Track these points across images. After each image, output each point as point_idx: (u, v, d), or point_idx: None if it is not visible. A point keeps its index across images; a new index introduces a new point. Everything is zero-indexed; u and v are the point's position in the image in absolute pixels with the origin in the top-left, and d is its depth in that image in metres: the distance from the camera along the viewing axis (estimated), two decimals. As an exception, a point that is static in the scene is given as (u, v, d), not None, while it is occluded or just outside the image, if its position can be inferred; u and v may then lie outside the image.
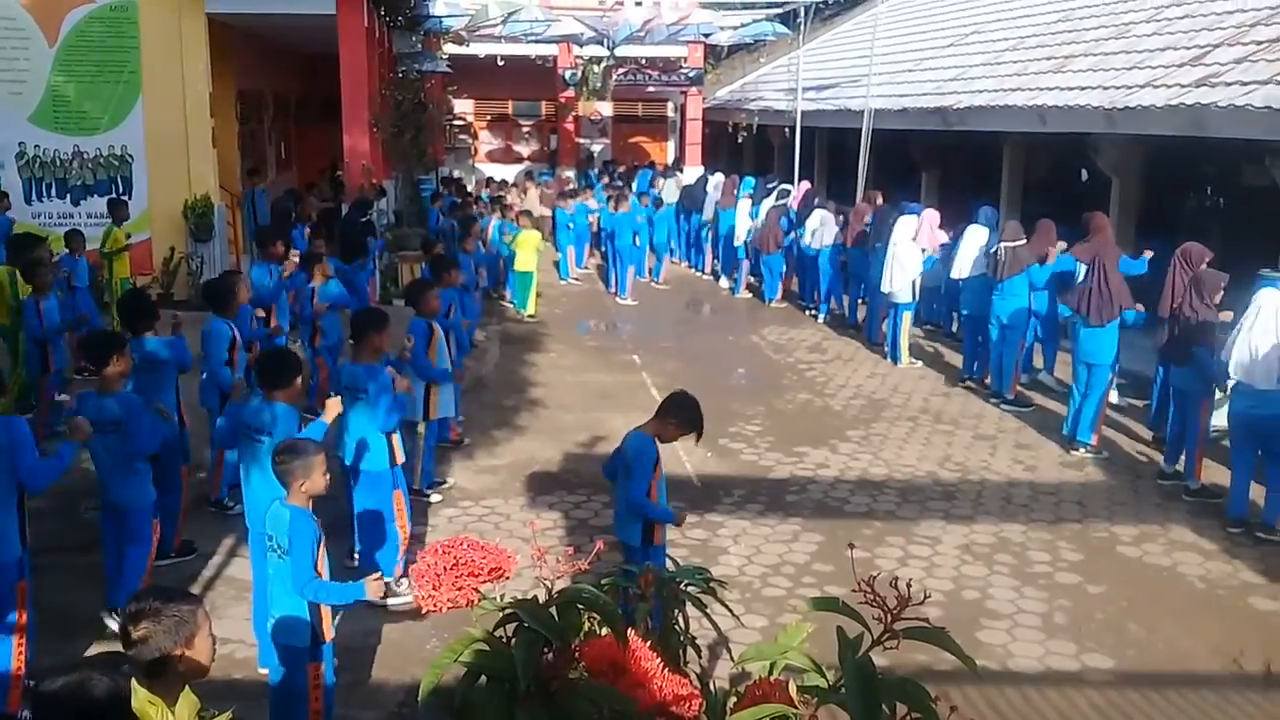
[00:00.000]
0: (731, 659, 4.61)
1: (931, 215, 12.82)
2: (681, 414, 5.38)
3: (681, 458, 8.73)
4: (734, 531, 7.48)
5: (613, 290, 16.71)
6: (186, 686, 2.55)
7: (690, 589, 3.42)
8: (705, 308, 16.23)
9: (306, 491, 4.39)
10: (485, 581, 1.68)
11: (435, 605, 1.64)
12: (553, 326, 14.35)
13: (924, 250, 12.17)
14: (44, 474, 4.98)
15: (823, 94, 20.00)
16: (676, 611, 3.39)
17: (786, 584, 6.69)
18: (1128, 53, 13.10)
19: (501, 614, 1.61)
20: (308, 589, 4.29)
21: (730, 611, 3.94)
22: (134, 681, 2.65)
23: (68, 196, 14.07)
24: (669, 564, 4.54)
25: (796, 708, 1.60)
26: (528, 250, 14.77)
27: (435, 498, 7.95)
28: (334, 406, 5.56)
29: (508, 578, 1.73)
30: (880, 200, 13.62)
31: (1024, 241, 10.44)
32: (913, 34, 21.97)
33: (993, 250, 10.73)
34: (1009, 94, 14.28)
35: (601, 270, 18.13)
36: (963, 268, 11.26)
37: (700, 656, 3.69)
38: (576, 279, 18.14)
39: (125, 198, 13.50)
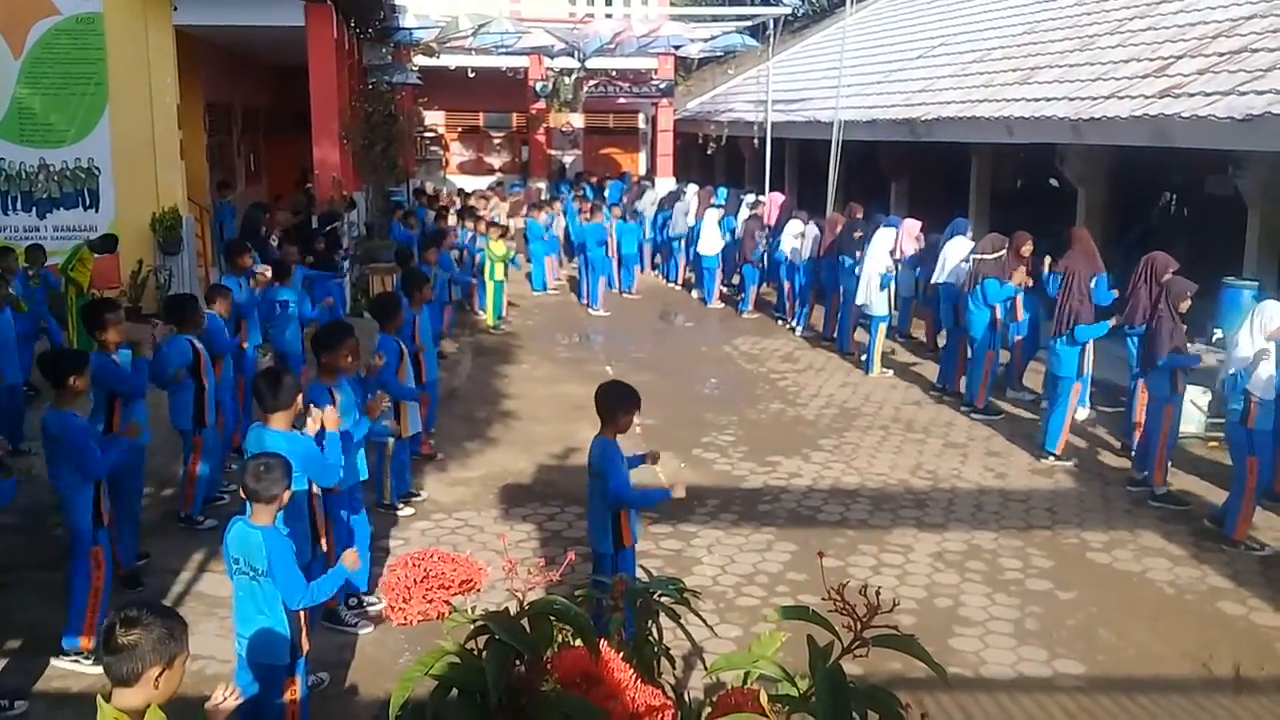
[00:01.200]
0: (705, 669, 4.63)
1: (911, 225, 12.91)
2: (615, 402, 5.47)
3: (655, 469, 8.70)
4: (707, 541, 7.48)
5: (584, 301, 16.71)
6: (153, 705, 2.51)
7: (664, 599, 3.42)
8: (678, 318, 16.26)
9: (274, 511, 4.36)
10: (456, 594, 1.67)
11: (405, 618, 1.63)
12: (525, 338, 14.33)
13: (895, 261, 12.25)
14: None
15: (792, 105, 20.12)
16: (650, 622, 3.39)
17: (760, 594, 6.70)
18: (1092, 64, 13.27)
19: (473, 626, 1.60)
20: (304, 599, 4.30)
21: (704, 622, 3.94)
22: (99, 699, 2.62)
23: (33, 209, 13.91)
24: (642, 574, 4.53)
25: (768, 717, 1.61)
26: (495, 261, 14.76)
27: (406, 511, 7.90)
28: (331, 419, 5.51)
29: (478, 590, 1.72)
30: (860, 213, 13.69)
31: (1001, 254, 10.49)
32: (881, 46, 22.17)
33: (965, 261, 10.82)
34: (976, 105, 14.42)
35: (574, 281, 18.13)
36: (940, 276, 11.36)
37: (675, 667, 3.70)
38: (553, 289, 18.17)
39: (79, 212, 13.34)
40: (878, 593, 1.65)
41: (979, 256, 10.53)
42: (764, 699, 1.62)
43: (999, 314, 10.55)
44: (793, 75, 23.96)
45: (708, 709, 2.29)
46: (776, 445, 9.61)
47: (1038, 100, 13.09)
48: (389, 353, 7.53)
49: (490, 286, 14.76)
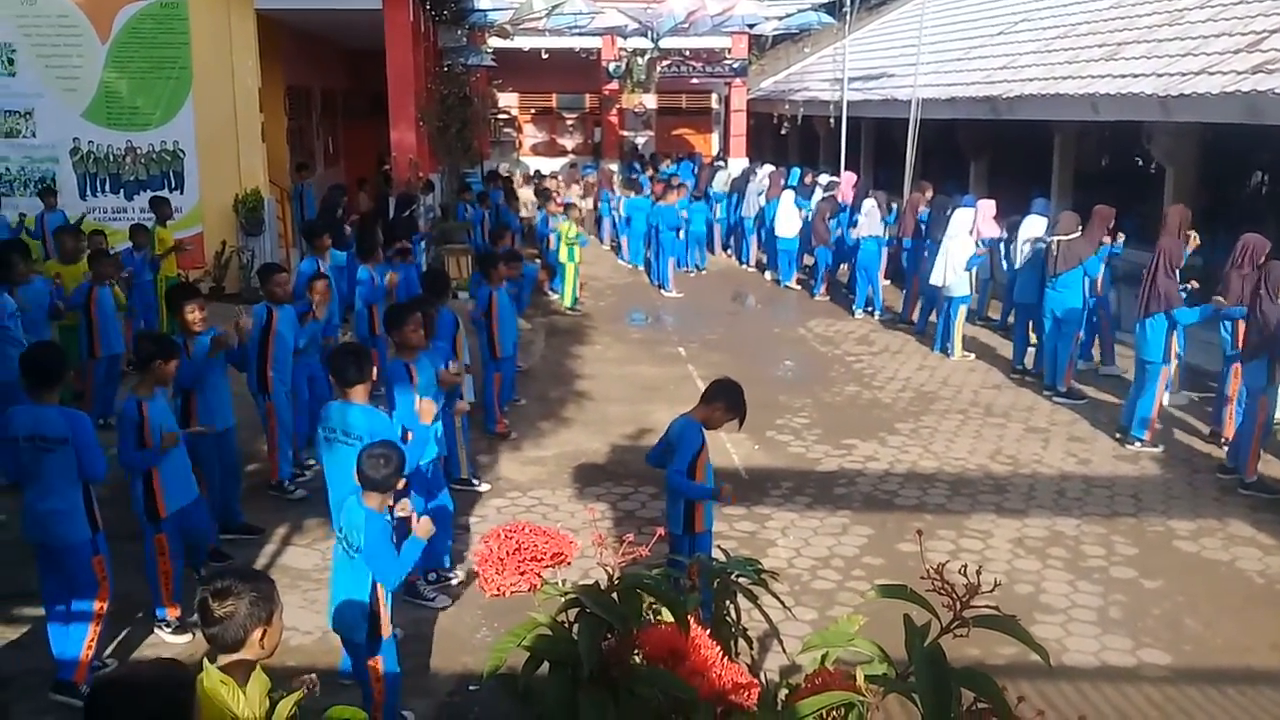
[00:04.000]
0: (784, 650, 4.60)
1: (986, 205, 12.64)
2: (727, 398, 5.36)
3: (728, 449, 8.70)
4: (782, 523, 7.44)
5: (656, 282, 16.67)
6: (258, 666, 2.58)
7: (741, 580, 3.40)
8: (750, 300, 16.15)
9: (386, 500, 4.47)
10: (547, 566, 1.67)
11: (498, 589, 1.64)
12: (598, 319, 14.35)
13: (977, 242, 12.02)
14: (101, 469, 5.11)
15: (869, 84, 19.81)
16: (728, 603, 3.37)
17: (836, 577, 6.64)
18: (1182, 39, 12.84)
19: (564, 599, 1.60)
20: (395, 582, 4.44)
21: (781, 603, 3.92)
22: (206, 661, 2.71)
23: (121, 191, 14.30)
24: (720, 555, 4.51)
25: (864, 695, 1.58)
26: (563, 242, 14.74)
27: (483, 486, 7.98)
28: (428, 411, 5.59)
29: (569, 563, 1.72)
30: (931, 192, 13.45)
31: (1079, 234, 10.23)
32: (961, 23, 21.71)
33: (1046, 243, 10.57)
34: (1060, 82, 14.05)
35: (648, 263, 18.10)
36: (1017, 259, 11.10)
37: (751, 648, 3.67)
38: (631, 269, 18.21)
39: (166, 194, 13.62)
40: (978, 572, 1.61)
41: (1058, 237, 10.26)
42: (860, 677, 1.59)
43: (1098, 288, 10.33)
44: (870, 53, 23.60)
45: (784, 690, 2.27)
46: (852, 428, 9.51)
47: (1124, 77, 12.71)
48: (445, 325, 7.63)
49: (569, 270, 14.74)
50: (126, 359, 9.42)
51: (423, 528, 4.52)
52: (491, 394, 9.17)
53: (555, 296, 15.02)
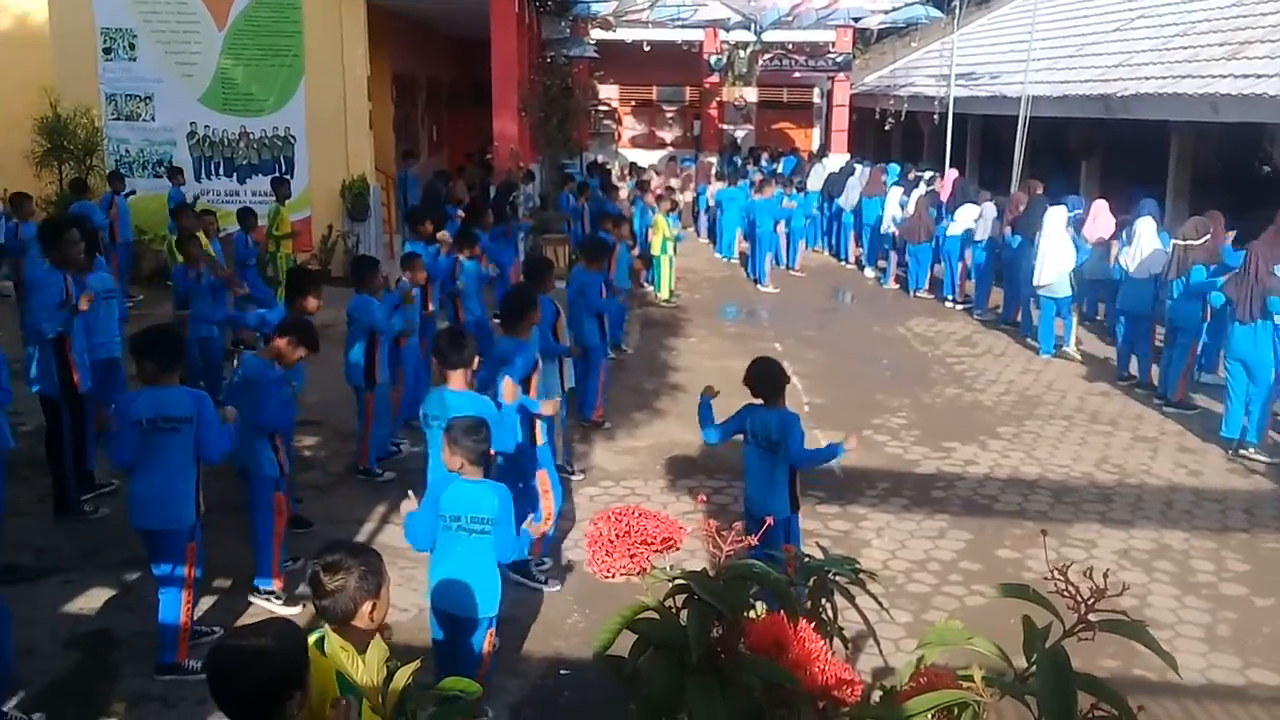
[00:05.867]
0: (880, 652, 4.52)
1: (1100, 205, 12.26)
2: (780, 375, 5.74)
3: (823, 445, 8.58)
4: (877, 525, 7.33)
5: (752, 277, 16.56)
6: (377, 635, 2.64)
7: (839, 579, 3.34)
8: (848, 297, 15.95)
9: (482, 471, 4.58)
10: (657, 551, 1.66)
11: (608, 571, 1.63)
12: (693, 311, 14.31)
13: (1087, 242, 11.67)
14: (221, 448, 5.22)
15: (977, 80, 19.40)
16: (824, 601, 3.32)
17: (932, 580, 6.51)
18: (1312, 37, 12.31)
19: (671, 584, 1.58)
20: (513, 553, 4.62)
21: (880, 604, 3.83)
22: (327, 627, 2.78)
23: (234, 175, 14.74)
24: (817, 553, 4.46)
25: (981, 696, 1.53)
26: (659, 234, 14.70)
27: (578, 475, 8.02)
28: (510, 391, 5.66)
29: (678, 548, 1.70)
30: (1039, 191, 13.10)
31: (1206, 239, 9.82)
32: (1075, 19, 21.12)
33: (1166, 247, 10.21)
34: (1179, 81, 13.58)
35: (744, 257, 17.99)
36: (1133, 263, 10.72)
37: (847, 647, 3.61)
38: (727, 263, 18.13)
39: (287, 176, 14.05)
40: (1105, 575, 1.55)
41: (1183, 242, 9.87)
42: (978, 677, 1.54)
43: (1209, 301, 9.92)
44: (978, 48, 23.12)
45: (877, 691, 2.22)
46: (951, 430, 9.32)
47: (1247, 77, 12.22)
48: (545, 312, 7.63)
49: (665, 262, 14.72)
50: (229, 339, 9.69)
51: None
52: (594, 381, 9.20)
53: (650, 288, 15.02)
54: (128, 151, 14.66)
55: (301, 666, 2.33)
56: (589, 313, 9.22)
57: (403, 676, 1.68)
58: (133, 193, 13.88)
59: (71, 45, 14.33)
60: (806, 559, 3.45)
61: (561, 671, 5.38)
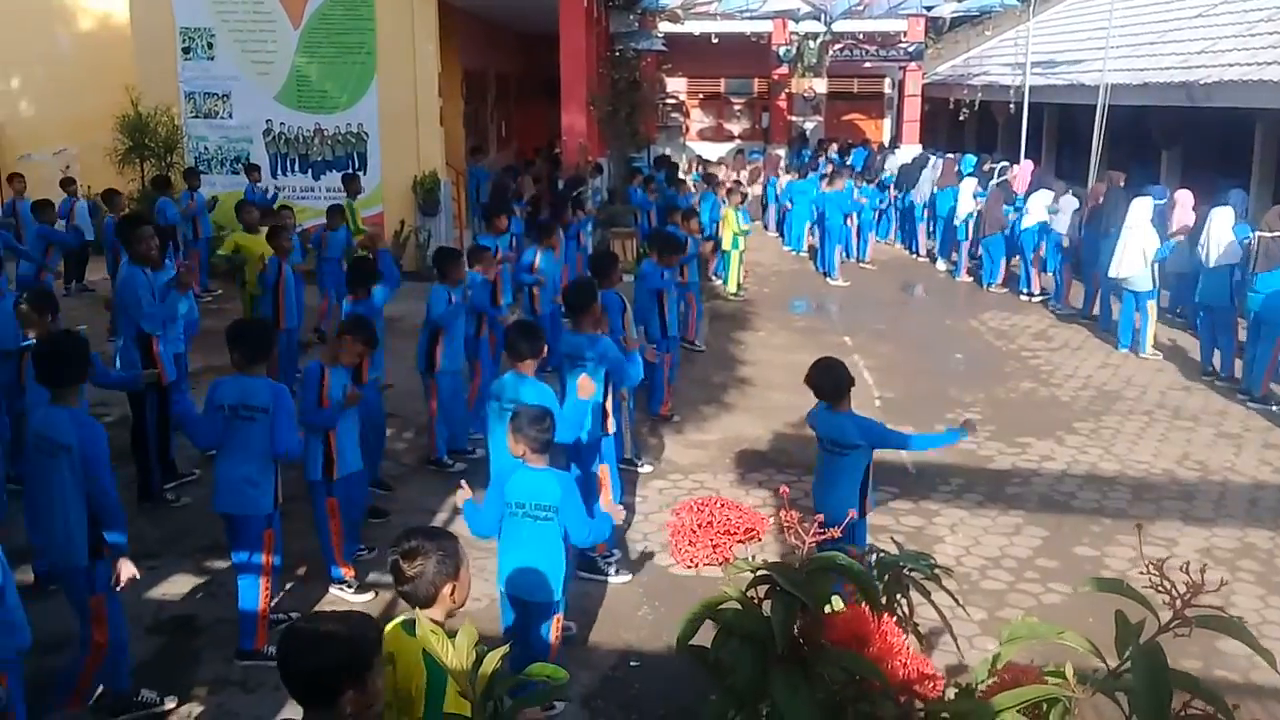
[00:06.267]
0: (956, 648, 4.46)
1: (1184, 196, 11.92)
2: (847, 376, 5.50)
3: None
4: (950, 520, 7.22)
5: (821, 270, 16.41)
6: (467, 619, 2.67)
7: (914, 574, 3.30)
8: (920, 290, 15.73)
9: (547, 458, 4.63)
10: (740, 541, 1.65)
11: (691, 560, 1.62)
12: (761, 305, 14.23)
13: (1171, 234, 11.36)
14: (293, 444, 5.31)
15: (1053, 68, 19.01)
16: (899, 597, 3.28)
17: (1007, 578, 6.40)
18: None
19: (754, 575, 1.57)
20: (589, 537, 4.68)
21: (956, 600, 3.78)
22: (418, 611, 2.83)
23: (309, 171, 14.99)
24: (892, 547, 4.41)
25: (1074, 692, 1.50)
26: (729, 228, 14.60)
27: (646, 468, 8.02)
28: (587, 388, 5.67)
29: (759, 538, 1.69)
30: (1121, 182, 12.78)
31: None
32: (1155, 5, 20.57)
33: (1246, 239, 9.90)
34: (1264, 68, 13.15)
35: (813, 250, 17.83)
36: (1209, 255, 10.42)
37: (922, 643, 3.57)
38: (796, 256, 18.00)
39: (359, 172, 14.25)
40: (1202, 570, 1.50)
41: (1269, 234, 9.57)
42: (1070, 673, 1.51)
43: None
44: (1054, 36, 22.65)
45: (952, 689, 2.18)
46: (1027, 426, 9.15)
47: (1338, 61, 11.80)
48: (611, 308, 7.62)
49: (734, 256, 14.63)
50: (308, 332, 9.86)
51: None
52: (660, 375, 9.20)
53: (719, 282, 14.96)
54: (206, 149, 14.98)
55: (361, 659, 2.37)
56: (656, 305, 9.20)
57: (492, 661, 1.69)
58: (215, 200, 14.13)
59: (152, 45, 14.68)
60: (882, 554, 3.42)
61: (632, 663, 5.39)
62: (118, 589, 4.60)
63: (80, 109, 15.60)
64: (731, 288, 14.61)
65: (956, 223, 15.87)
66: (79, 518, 4.44)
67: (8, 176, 13.99)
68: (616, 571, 6.26)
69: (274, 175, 14.90)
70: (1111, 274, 11.43)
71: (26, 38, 16.22)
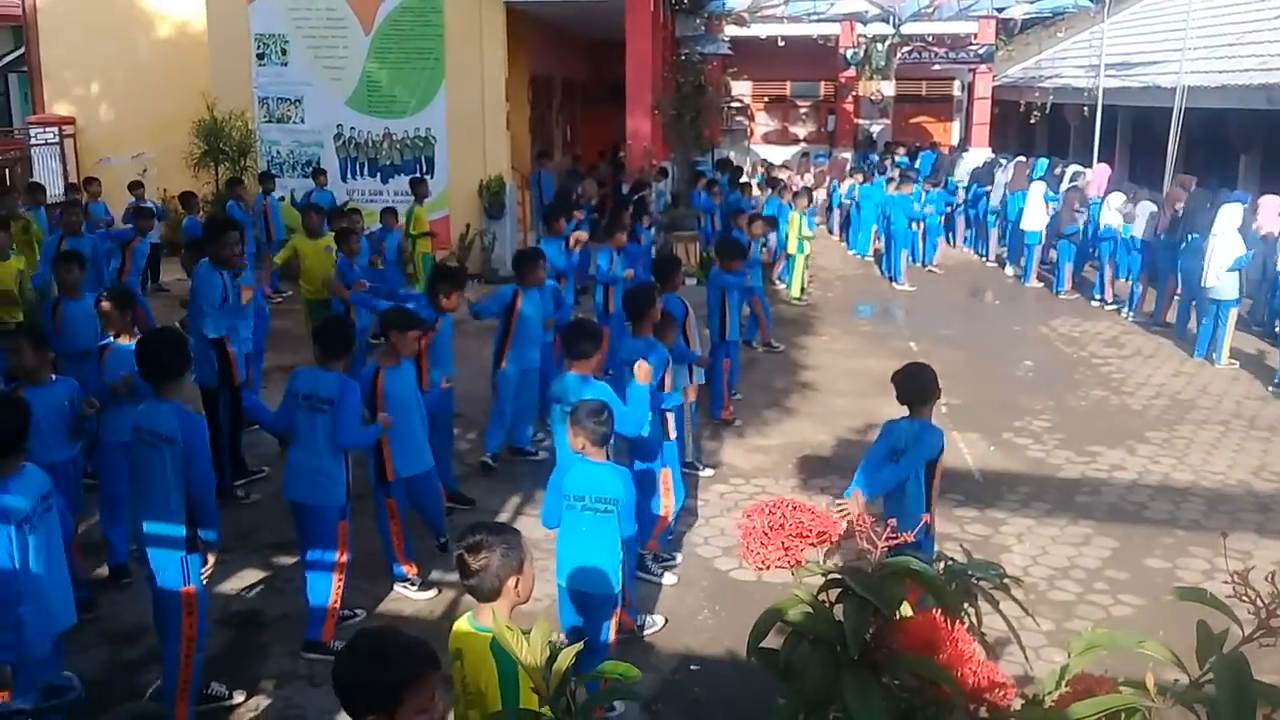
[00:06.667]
0: (1025, 658, 4.38)
1: (1271, 201, 11.60)
2: (934, 382, 5.33)
3: (961, 449, 8.40)
4: (1017, 530, 7.10)
5: (887, 274, 16.25)
6: (542, 617, 2.70)
7: (982, 583, 3.26)
8: (988, 295, 15.50)
9: (606, 451, 4.66)
10: (812, 544, 1.64)
11: (762, 562, 1.62)
12: (825, 310, 14.13)
13: (1264, 239, 11.06)
14: (353, 437, 5.43)
15: (1128, 71, 18.64)
16: (967, 606, 3.24)
17: (1076, 589, 6.28)
18: None
19: (825, 579, 1.57)
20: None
21: (1025, 610, 3.70)
22: (491, 607, 2.87)
23: (378, 175, 15.22)
24: (960, 556, 4.36)
25: (1154, 702, 1.47)
26: (794, 232, 14.50)
27: (707, 472, 8.01)
28: (644, 372, 5.68)
29: (832, 541, 1.68)
30: (1194, 186, 12.48)
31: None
32: (1234, 6, 20.06)
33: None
34: (1351, 68, 12.77)
35: (879, 254, 17.67)
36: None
37: (988, 653, 3.51)
38: (861, 260, 17.86)
39: (426, 176, 14.41)
40: (1291, 583, 1.47)
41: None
42: (1151, 683, 1.48)
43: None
44: (1129, 37, 22.20)
45: (1019, 700, 2.14)
46: (1097, 435, 8.97)
47: None
48: (674, 313, 7.56)
49: (799, 260, 14.54)
50: (372, 333, 10.00)
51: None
52: (720, 379, 9.18)
53: (782, 286, 14.89)
54: (278, 153, 15.27)
55: (426, 678, 2.41)
56: (719, 309, 9.18)
57: (567, 657, 1.70)
58: (283, 198, 14.40)
59: (227, 51, 14.99)
60: (950, 562, 3.38)
61: (692, 667, 5.38)
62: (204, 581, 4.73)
63: (157, 113, 15.99)
64: (795, 292, 14.52)
65: (1025, 227, 15.61)
66: (179, 510, 4.54)
67: (83, 180, 14.39)
68: (661, 574, 6.26)
69: (343, 179, 15.13)
70: (1204, 284, 11.13)
71: (106, 44, 16.65)
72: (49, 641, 4.10)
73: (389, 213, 12.13)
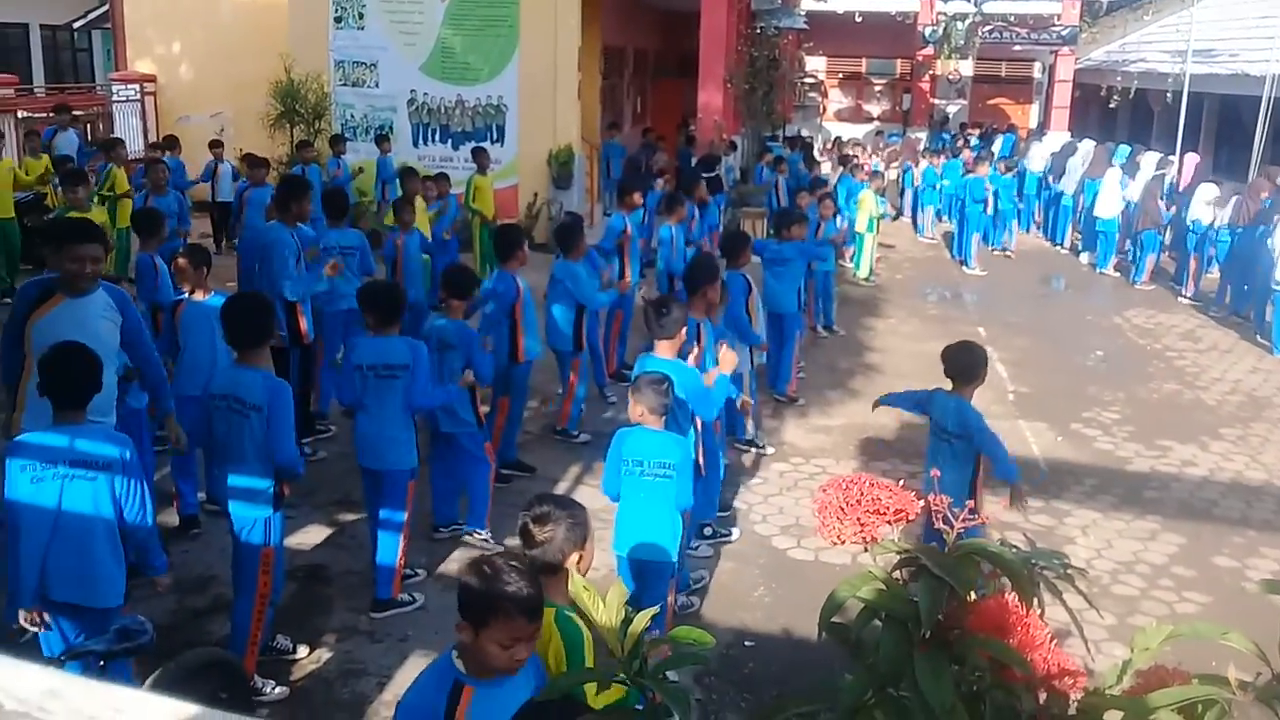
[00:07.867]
0: (1087, 650, 4.32)
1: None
2: (981, 360, 5.35)
3: (1028, 438, 8.28)
4: (1082, 522, 6.99)
5: (958, 258, 16.01)
6: (619, 580, 2.73)
7: (1046, 573, 3.21)
8: (1061, 283, 15.20)
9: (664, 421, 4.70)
10: (888, 521, 1.63)
11: (838, 536, 1.61)
12: (893, 292, 13.97)
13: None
14: (430, 397, 5.50)
15: (1216, 57, 18.08)
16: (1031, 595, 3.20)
17: (1140, 584, 6.17)
18: None
19: (899, 556, 1.55)
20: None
21: (1090, 602, 3.65)
22: (570, 566, 2.90)
23: (449, 141, 15.29)
24: (1024, 544, 4.30)
25: (1235, 695, 1.44)
26: (864, 211, 14.31)
27: (768, 450, 7.97)
28: (729, 360, 5.64)
29: (910, 520, 1.66)
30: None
31: None
32: (1333, -10, 19.35)
33: None
34: None
35: (949, 237, 17.40)
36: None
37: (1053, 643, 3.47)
38: (930, 242, 17.62)
39: (486, 145, 14.31)
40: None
41: None
42: (1233, 675, 1.45)
43: None
44: (1219, 22, 21.53)
45: (1079, 692, 2.11)
46: (1169, 429, 8.77)
47: None
48: (735, 289, 7.47)
49: (868, 241, 14.36)
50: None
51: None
52: (789, 355, 9.10)
53: (850, 266, 14.74)
54: (352, 116, 15.42)
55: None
56: (781, 282, 9.05)
57: (642, 620, 1.71)
58: (360, 170, 14.41)
59: (306, 13, 15.14)
60: (1014, 549, 3.34)
61: (746, 643, 5.39)
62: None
63: (236, 74, 16.19)
64: (863, 272, 14.36)
65: (1100, 214, 15.27)
66: (266, 472, 4.61)
67: (164, 138, 14.64)
68: (698, 546, 6.23)
69: (415, 145, 15.23)
70: (1277, 278, 10.83)
71: (188, 3, 16.91)
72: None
73: (441, 178, 11.95)
